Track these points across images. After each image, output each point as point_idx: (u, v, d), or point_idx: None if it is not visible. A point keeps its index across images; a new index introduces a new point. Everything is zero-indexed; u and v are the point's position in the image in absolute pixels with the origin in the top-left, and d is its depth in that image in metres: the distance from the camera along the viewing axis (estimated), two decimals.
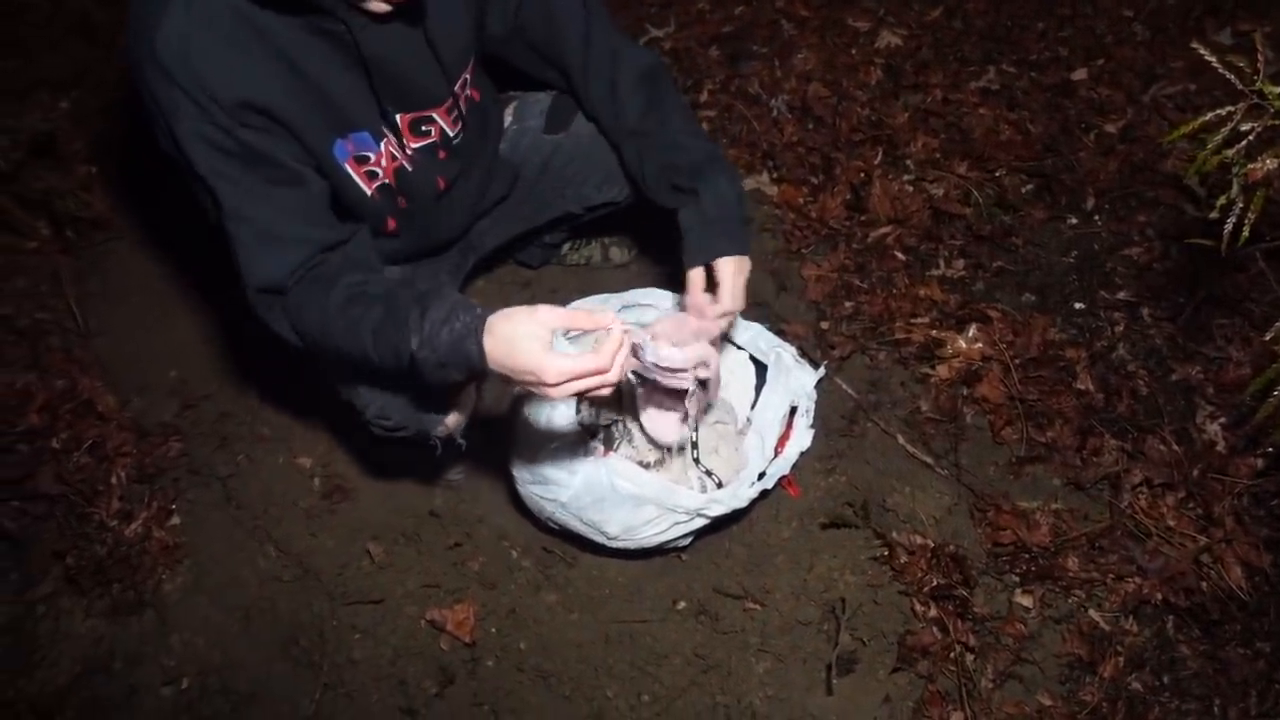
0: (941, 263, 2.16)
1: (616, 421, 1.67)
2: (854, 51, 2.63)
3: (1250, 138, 1.12)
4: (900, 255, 2.17)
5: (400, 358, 1.16)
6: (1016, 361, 1.94)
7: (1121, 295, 2.08)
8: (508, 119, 1.68)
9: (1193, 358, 1.97)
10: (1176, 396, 1.92)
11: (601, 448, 1.59)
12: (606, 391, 1.14)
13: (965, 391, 1.94)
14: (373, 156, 1.35)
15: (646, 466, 1.62)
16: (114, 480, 1.89)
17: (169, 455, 1.96)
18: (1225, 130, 1.09)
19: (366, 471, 1.94)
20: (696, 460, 1.66)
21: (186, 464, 1.95)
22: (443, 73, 1.35)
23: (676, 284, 1.56)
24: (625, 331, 1.14)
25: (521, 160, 1.67)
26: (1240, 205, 1.18)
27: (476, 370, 1.12)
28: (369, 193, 1.38)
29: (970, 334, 1.97)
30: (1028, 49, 2.61)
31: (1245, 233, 1.19)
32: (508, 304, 1.12)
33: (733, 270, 1.41)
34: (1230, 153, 1.15)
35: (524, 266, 2.20)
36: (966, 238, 2.20)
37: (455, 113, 1.42)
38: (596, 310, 1.15)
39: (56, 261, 2.24)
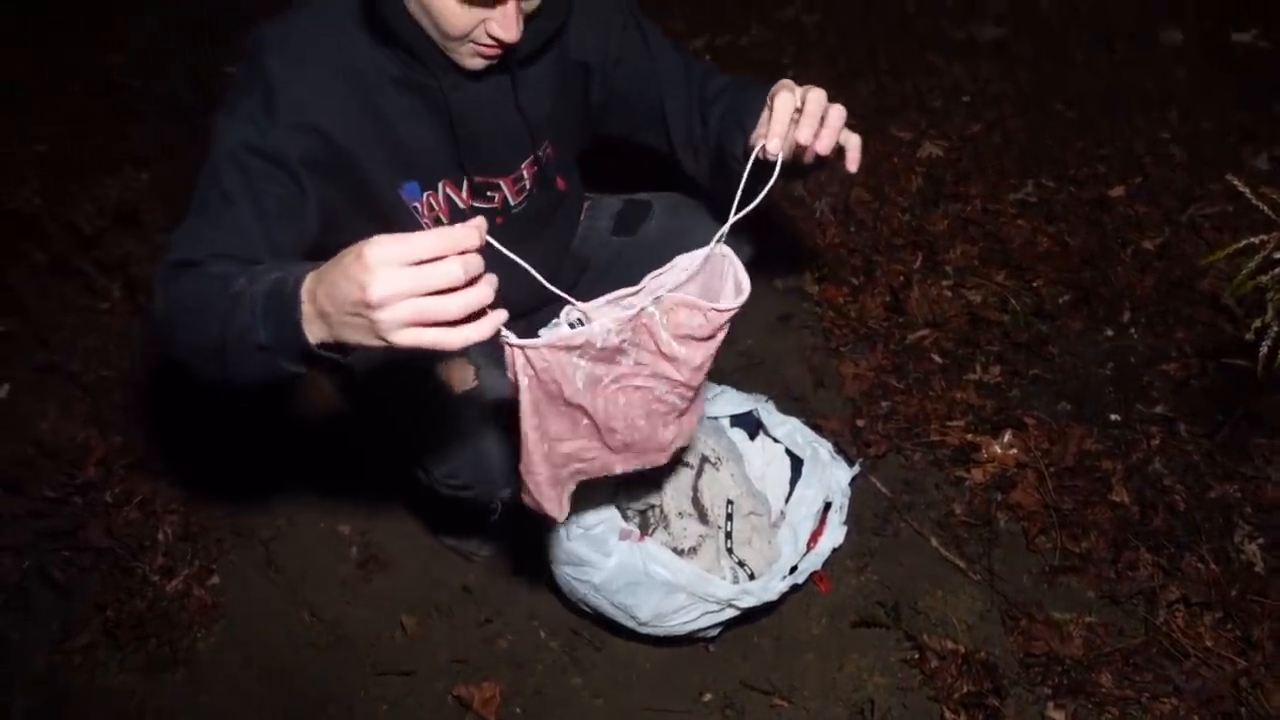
0: (978, 367, 2.19)
1: (653, 507, 1.71)
2: (896, 160, 2.73)
3: None
4: (937, 358, 2.21)
5: (220, 300, 1.00)
6: (1051, 470, 1.95)
7: (1159, 409, 2.09)
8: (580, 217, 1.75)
9: (1231, 476, 1.96)
10: (1214, 514, 1.91)
11: (637, 532, 1.62)
12: (457, 310, 0.84)
13: (999, 497, 1.94)
14: (419, 206, 1.39)
15: (681, 553, 1.64)
16: (160, 536, 1.95)
17: (215, 515, 2.02)
18: (1259, 257, 1.13)
19: (403, 543, 1.97)
20: (730, 550, 1.68)
21: (231, 525, 2.01)
22: (524, 142, 1.40)
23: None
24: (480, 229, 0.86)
25: (589, 255, 1.73)
26: (1275, 329, 1.22)
27: (290, 322, 0.92)
28: None
29: (1005, 439, 1.99)
30: (1066, 165, 2.69)
31: None
32: None
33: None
34: (1265, 279, 1.19)
35: None
36: (1003, 344, 2.23)
37: (521, 184, 1.47)
38: (451, 230, 0.84)
39: (126, 322, 2.35)
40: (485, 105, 1.32)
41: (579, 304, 1.09)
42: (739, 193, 1.10)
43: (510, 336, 0.96)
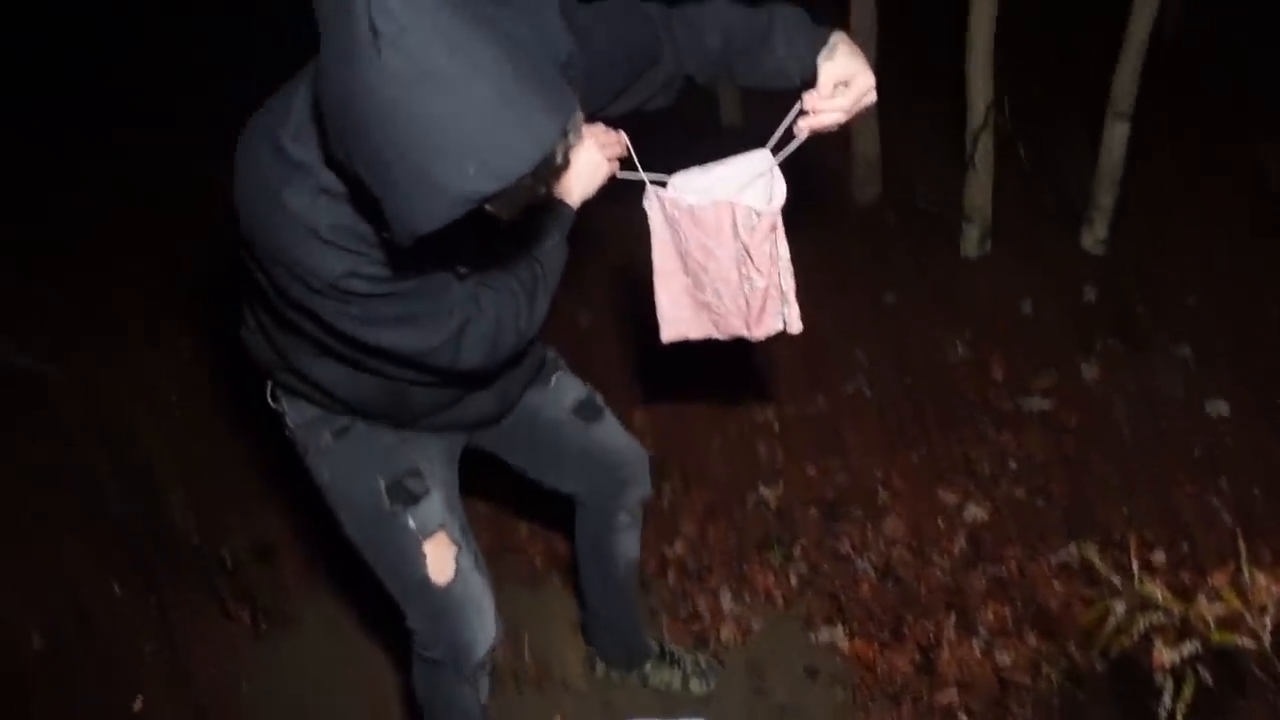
0: None
1: None
2: (941, 522, 2.91)
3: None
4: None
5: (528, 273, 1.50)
6: None
7: None
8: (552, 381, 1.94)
9: None
10: None
11: None
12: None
13: None
14: None
15: None
16: None
17: None
18: (1113, 619, 1.28)
19: None
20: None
21: None
22: None
23: None
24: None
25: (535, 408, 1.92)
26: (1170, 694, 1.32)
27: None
28: None
29: None
30: (1111, 529, 2.78)
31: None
32: None
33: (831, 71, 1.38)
34: (1124, 638, 1.33)
35: None
36: (1035, 708, 2.23)
37: None
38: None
39: (249, 648, 2.75)
40: None
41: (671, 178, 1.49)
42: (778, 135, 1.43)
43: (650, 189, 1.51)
